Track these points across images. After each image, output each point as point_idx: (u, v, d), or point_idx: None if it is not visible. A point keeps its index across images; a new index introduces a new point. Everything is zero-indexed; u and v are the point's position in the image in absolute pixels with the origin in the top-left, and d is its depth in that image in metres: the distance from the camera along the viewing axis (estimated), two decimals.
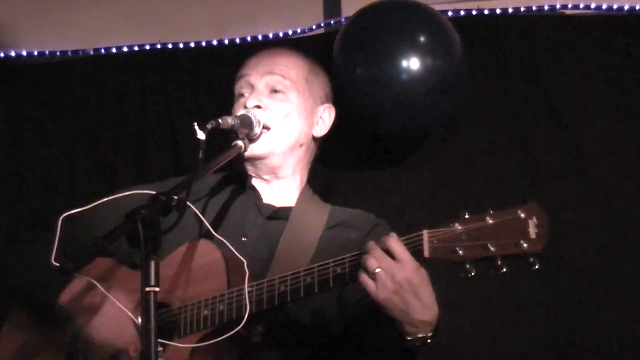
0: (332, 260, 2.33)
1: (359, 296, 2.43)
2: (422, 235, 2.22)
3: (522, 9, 3.68)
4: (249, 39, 3.84)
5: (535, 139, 3.61)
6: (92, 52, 3.92)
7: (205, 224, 2.58)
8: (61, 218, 2.31)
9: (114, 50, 3.91)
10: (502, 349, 3.51)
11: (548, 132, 3.61)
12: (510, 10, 3.68)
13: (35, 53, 3.92)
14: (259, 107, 2.74)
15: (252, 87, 2.80)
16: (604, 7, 3.67)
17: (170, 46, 3.88)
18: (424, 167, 3.65)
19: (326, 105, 2.90)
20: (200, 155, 2.44)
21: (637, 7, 3.63)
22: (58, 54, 3.93)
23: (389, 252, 2.22)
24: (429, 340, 2.29)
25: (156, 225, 2.15)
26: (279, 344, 2.52)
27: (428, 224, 3.46)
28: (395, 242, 2.21)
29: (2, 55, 3.91)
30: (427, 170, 3.64)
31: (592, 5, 3.68)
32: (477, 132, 3.66)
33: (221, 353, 2.43)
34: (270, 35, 3.83)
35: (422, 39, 3.40)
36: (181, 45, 3.88)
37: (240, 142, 2.64)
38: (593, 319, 3.49)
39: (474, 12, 3.70)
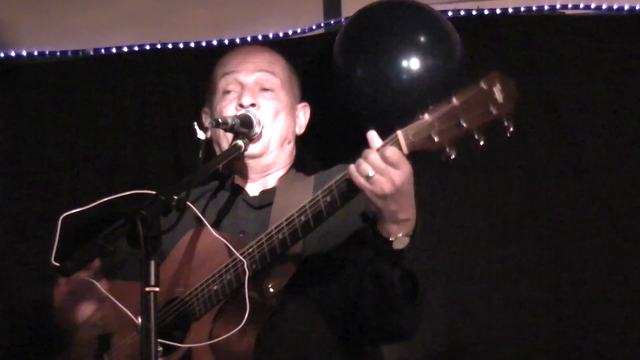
0: (319, 192, 2.36)
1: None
2: (396, 135, 2.27)
3: (522, 9, 3.69)
4: (249, 39, 3.83)
5: (535, 139, 3.62)
6: (92, 52, 3.92)
7: (206, 224, 2.58)
8: (61, 218, 2.31)
9: (114, 50, 3.91)
10: (502, 349, 3.52)
11: (548, 132, 3.62)
12: (510, 10, 3.68)
13: (35, 53, 3.92)
14: (253, 104, 2.73)
15: (240, 84, 2.78)
16: (604, 7, 3.67)
17: (170, 46, 3.88)
18: (424, 166, 3.65)
19: (303, 103, 2.90)
20: (200, 155, 2.43)
21: (637, 7, 3.63)
22: (58, 54, 3.93)
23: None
24: (410, 241, 2.34)
25: (156, 226, 2.15)
26: (296, 303, 2.53)
27: (428, 222, 3.47)
28: (392, 150, 2.26)
29: (2, 55, 3.91)
30: (427, 170, 3.64)
31: (592, 5, 3.68)
32: None
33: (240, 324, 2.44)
34: (270, 35, 3.83)
35: (422, 39, 3.41)
36: (181, 45, 3.88)
37: (240, 142, 2.63)
38: (593, 319, 3.50)
39: (474, 12, 3.70)
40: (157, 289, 2.09)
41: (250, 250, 2.42)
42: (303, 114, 2.89)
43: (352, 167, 2.30)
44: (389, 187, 2.26)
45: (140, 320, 2.10)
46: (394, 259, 2.37)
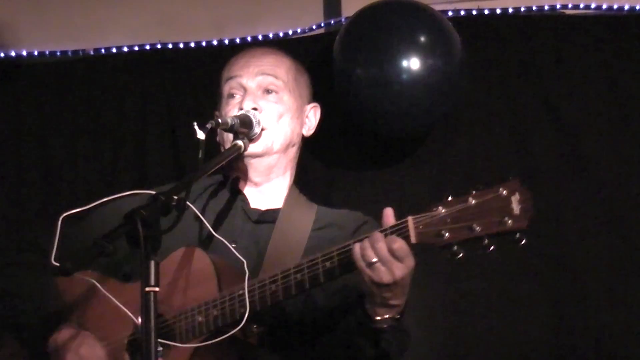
0: (320, 254, 2.35)
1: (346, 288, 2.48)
2: (407, 222, 2.24)
3: (522, 9, 3.69)
4: (249, 39, 3.84)
5: (535, 139, 3.62)
6: (92, 52, 3.92)
7: (206, 225, 2.57)
8: (61, 218, 2.31)
9: (114, 50, 3.91)
10: (502, 349, 3.52)
11: (548, 132, 3.62)
12: (510, 10, 3.68)
13: (35, 53, 3.93)
14: (255, 109, 2.72)
15: (244, 88, 2.77)
16: (604, 7, 3.67)
17: (170, 46, 3.88)
18: (424, 167, 3.65)
19: (312, 104, 2.88)
20: (200, 155, 2.43)
21: (637, 7, 3.63)
22: (58, 54, 3.93)
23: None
24: (395, 323, 2.34)
25: (156, 225, 2.14)
26: (276, 343, 2.53)
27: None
28: (400, 244, 2.23)
29: (2, 55, 3.91)
30: (427, 170, 3.65)
31: (592, 5, 3.68)
32: (477, 132, 3.66)
33: (219, 357, 2.43)
34: (270, 35, 3.83)
35: (422, 39, 3.41)
36: (181, 45, 3.88)
37: (240, 142, 2.63)
38: (593, 319, 3.50)
39: (474, 12, 3.70)
40: (157, 289, 2.09)
41: (241, 292, 2.41)
42: (313, 115, 2.87)
43: (356, 247, 2.28)
44: (388, 278, 2.25)
45: (140, 320, 2.10)
46: (373, 337, 2.37)
